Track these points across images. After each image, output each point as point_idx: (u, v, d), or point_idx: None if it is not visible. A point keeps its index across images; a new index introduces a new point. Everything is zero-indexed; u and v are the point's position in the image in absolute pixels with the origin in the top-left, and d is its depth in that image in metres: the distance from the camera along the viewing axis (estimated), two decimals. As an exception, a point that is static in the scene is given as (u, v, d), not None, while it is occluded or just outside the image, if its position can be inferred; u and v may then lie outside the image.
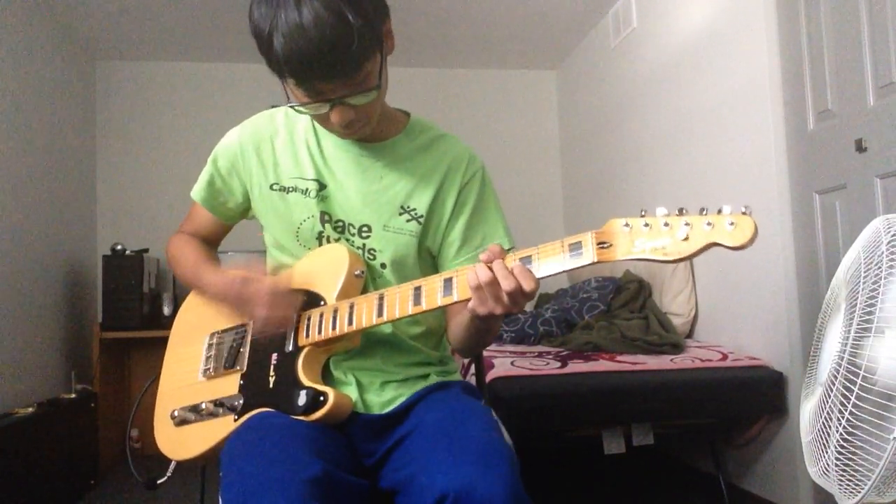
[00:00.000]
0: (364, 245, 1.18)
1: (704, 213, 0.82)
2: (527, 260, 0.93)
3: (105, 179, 4.01)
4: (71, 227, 3.56)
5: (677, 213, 0.83)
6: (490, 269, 0.93)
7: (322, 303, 1.13)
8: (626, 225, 0.85)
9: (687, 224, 0.82)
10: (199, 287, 1.24)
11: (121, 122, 4.04)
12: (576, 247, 0.89)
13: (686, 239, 0.81)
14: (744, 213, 0.80)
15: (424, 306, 1.00)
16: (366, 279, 1.17)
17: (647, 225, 0.84)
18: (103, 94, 4.03)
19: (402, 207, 1.18)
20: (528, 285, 0.91)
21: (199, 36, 3.76)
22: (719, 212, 0.81)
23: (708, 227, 0.80)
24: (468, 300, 0.96)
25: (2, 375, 2.70)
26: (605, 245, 0.86)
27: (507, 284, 0.91)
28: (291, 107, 1.05)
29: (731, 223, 0.79)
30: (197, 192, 1.29)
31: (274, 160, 1.21)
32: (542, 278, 0.92)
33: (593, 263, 0.87)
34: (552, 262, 0.91)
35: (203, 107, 4.09)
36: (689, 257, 0.82)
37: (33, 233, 3.06)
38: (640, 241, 0.84)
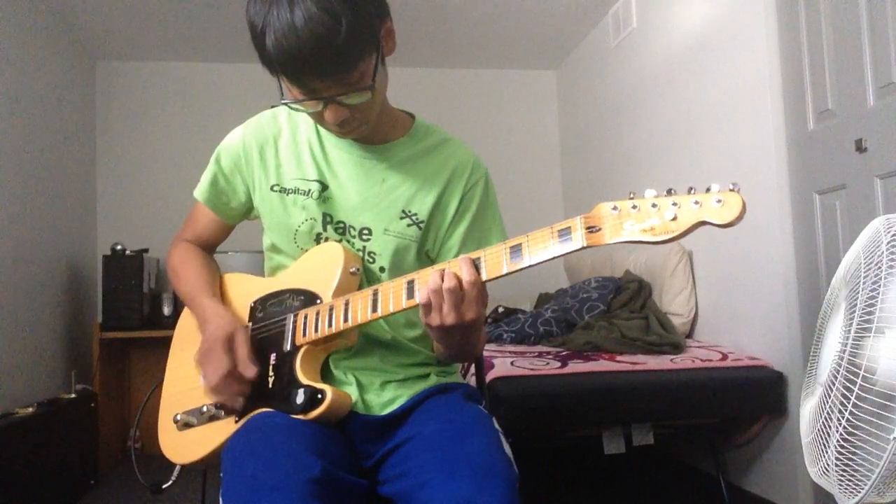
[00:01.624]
0: (364, 248, 1.18)
1: (692, 192, 0.81)
2: (516, 248, 0.92)
3: (105, 179, 4.01)
4: (71, 227, 3.56)
5: (665, 193, 0.83)
6: (441, 277, 0.94)
7: (318, 301, 1.12)
8: (615, 208, 0.84)
9: (675, 204, 0.81)
10: (192, 312, 1.25)
11: (121, 122, 4.04)
12: (565, 232, 0.88)
13: (674, 219, 0.80)
14: (731, 190, 0.79)
15: (418, 300, 1.00)
16: (363, 282, 1.16)
17: (635, 207, 0.83)
18: (103, 94, 4.03)
19: (403, 212, 1.17)
20: (467, 276, 0.93)
21: (199, 36, 3.76)
22: (707, 190, 0.80)
23: (695, 205, 0.80)
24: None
25: (2, 375, 2.70)
26: (595, 229, 0.85)
27: (448, 282, 0.93)
28: (285, 104, 1.04)
29: (719, 200, 0.79)
30: (200, 191, 1.28)
31: (277, 161, 1.21)
32: (534, 265, 0.92)
33: (583, 248, 0.86)
34: (542, 249, 0.90)
35: (203, 107, 4.09)
36: (678, 237, 0.81)
37: (33, 233, 3.06)
38: (628, 223, 0.83)
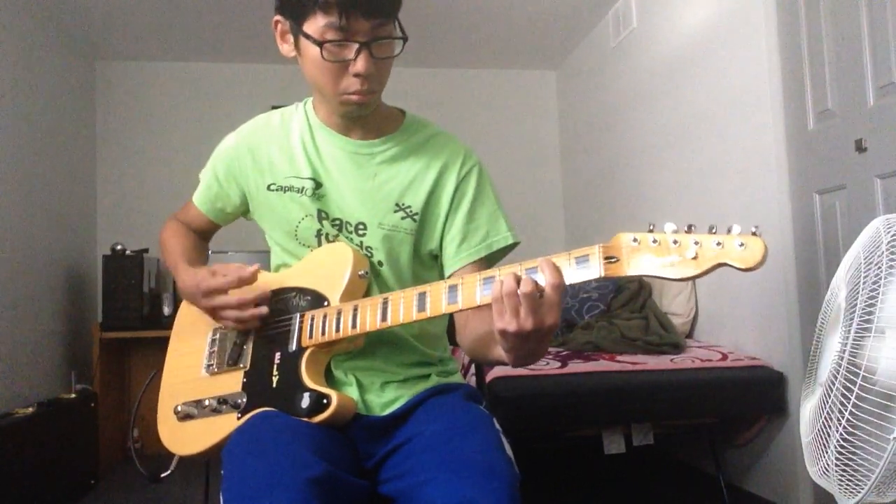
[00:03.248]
0: (361, 243, 1.19)
1: (713, 231, 0.80)
2: (532, 271, 0.90)
3: (105, 179, 4.00)
4: (71, 227, 3.56)
5: (686, 229, 0.82)
6: (516, 280, 0.88)
7: (325, 303, 1.13)
8: (635, 240, 0.84)
9: (696, 243, 0.80)
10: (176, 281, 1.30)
11: (121, 122, 4.04)
12: (582, 260, 0.87)
13: (695, 258, 0.80)
14: (754, 234, 0.78)
15: (429, 313, 0.99)
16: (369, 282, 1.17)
17: (655, 241, 0.82)
18: (103, 94, 4.03)
19: (396, 205, 1.18)
20: (551, 279, 0.86)
21: (199, 36, 3.76)
22: (729, 231, 0.80)
23: (717, 246, 0.79)
24: (472, 308, 0.96)
25: (2, 375, 2.70)
26: (613, 260, 0.85)
27: (525, 287, 0.87)
28: (319, 44, 1.05)
29: (742, 244, 0.78)
30: (197, 195, 1.33)
31: (269, 161, 1.22)
32: None
33: (600, 278, 0.86)
34: None
35: (203, 107, 4.08)
36: (698, 276, 0.81)
37: (33, 233, 3.06)
38: (647, 257, 0.82)
